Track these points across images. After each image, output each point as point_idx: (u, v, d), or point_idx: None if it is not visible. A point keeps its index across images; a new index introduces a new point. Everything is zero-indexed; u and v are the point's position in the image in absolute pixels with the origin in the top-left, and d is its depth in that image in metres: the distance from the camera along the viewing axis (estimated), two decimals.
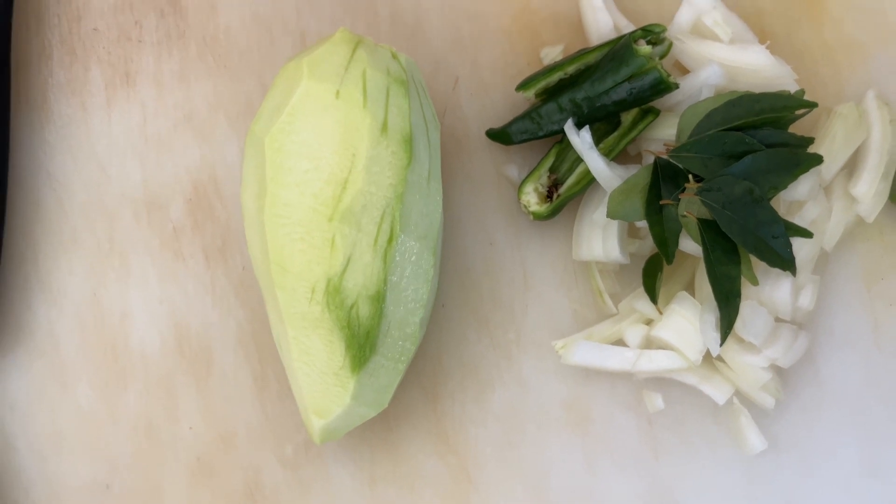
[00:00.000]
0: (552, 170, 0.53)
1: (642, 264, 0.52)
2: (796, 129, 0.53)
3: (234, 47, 0.57)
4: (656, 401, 0.52)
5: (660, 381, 0.53)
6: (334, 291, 0.45)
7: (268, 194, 0.45)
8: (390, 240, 0.45)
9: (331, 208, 0.44)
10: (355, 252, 0.44)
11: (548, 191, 0.53)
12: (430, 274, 0.47)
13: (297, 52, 0.49)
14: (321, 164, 0.44)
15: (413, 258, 0.46)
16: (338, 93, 0.44)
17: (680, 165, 0.48)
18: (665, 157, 0.49)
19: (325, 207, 0.44)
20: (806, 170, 0.48)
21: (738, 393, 0.52)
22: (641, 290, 0.52)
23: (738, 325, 0.48)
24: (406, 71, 0.47)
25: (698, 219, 0.47)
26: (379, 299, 0.45)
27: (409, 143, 0.45)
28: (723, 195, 0.47)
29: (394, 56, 0.48)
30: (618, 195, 0.49)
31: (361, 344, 0.45)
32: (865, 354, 0.53)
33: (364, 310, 0.45)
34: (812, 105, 0.49)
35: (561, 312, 0.54)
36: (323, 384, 0.47)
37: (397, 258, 0.45)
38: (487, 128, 0.55)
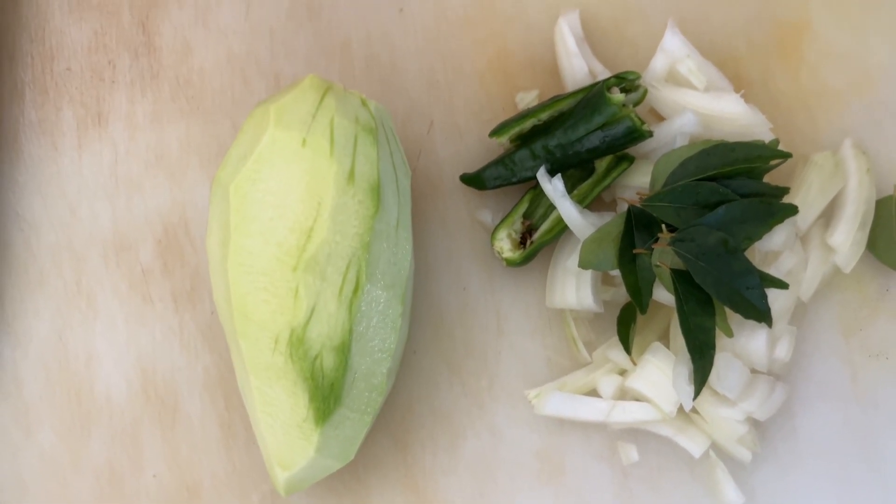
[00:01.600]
0: (526, 215, 0.53)
1: (617, 311, 0.51)
2: (772, 177, 0.52)
3: (207, 89, 0.57)
4: (631, 452, 0.51)
5: (635, 433, 0.52)
6: (298, 342, 0.44)
7: (231, 242, 0.44)
8: (356, 290, 0.44)
9: (295, 258, 0.43)
10: (319, 302, 0.43)
11: (521, 237, 0.52)
12: (397, 323, 0.46)
13: (270, 95, 0.48)
14: (286, 212, 0.43)
15: (380, 308, 0.45)
16: (304, 141, 0.44)
17: (653, 214, 0.48)
18: (638, 205, 0.48)
19: (288, 257, 0.43)
20: (781, 220, 0.47)
21: (714, 445, 0.51)
22: (616, 339, 0.51)
23: (713, 377, 0.48)
24: (375, 118, 0.47)
25: (672, 269, 0.47)
26: (344, 350, 0.44)
27: (377, 191, 0.44)
28: (696, 245, 0.46)
29: (363, 103, 0.47)
30: (590, 244, 0.49)
31: (325, 396, 0.44)
32: (844, 407, 0.52)
33: (328, 361, 0.44)
34: (786, 155, 0.48)
35: (535, 360, 0.53)
36: (287, 436, 0.46)
37: (363, 308, 0.44)
38: (462, 172, 0.54)
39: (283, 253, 0.43)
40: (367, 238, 0.44)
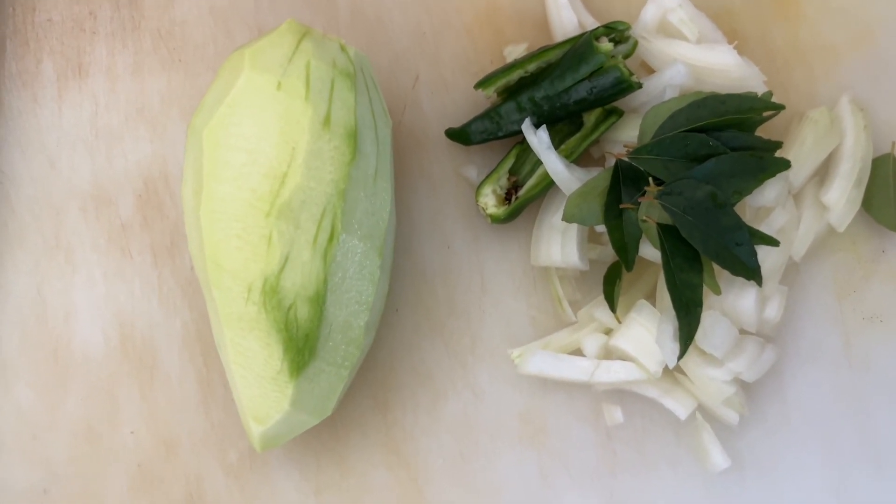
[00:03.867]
0: (512, 171, 0.52)
1: (604, 271, 0.50)
2: (766, 133, 0.51)
3: (189, 41, 0.55)
4: (615, 414, 0.50)
5: (620, 394, 0.51)
6: (271, 291, 0.43)
7: (204, 189, 0.43)
8: (331, 238, 0.43)
9: (268, 203, 0.42)
10: (293, 250, 0.42)
11: (506, 193, 0.51)
12: (375, 275, 0.45)
13: (257, 37, 0.47)
14: (259, 157, 0.42)
15: (357, 258, 0.44)
16: (279, 84, 0.43)
17: (640, 167, 0.46)
18: (625, 158, 0.47)
19: (262, 203, 0.42)
20: (772, 174, 0.46)
21: (701, 408, 0.49)
22: (602, 298, 0.50)
23: (699, 335, 0.46)
24: (354, 64, 0.46)
25: (658, 224, 0.45)
26: (319, 301, 0.43)
27: (354, 137, 0.43)
28: (684, 199, 0.45)
29: (342, 48, 0.46)
30: (576, 198, 0.47)
31: (300, 347, 0.43)
32: (835, 370, 0.51)
33: (303, 311, 0.43)
34: (779, 107, 0.47)
35: (519, 319, 0.52)
36: (261, 389, 0.45)
37: (339, 258, 0.43)
38: (447, 127, 0.53)
39: (256, 199, 0.42)
40: (343, 185, 0.43)
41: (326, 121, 0.43)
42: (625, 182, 0.47)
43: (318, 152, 0.42)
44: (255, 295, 0.43)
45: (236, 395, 0.46)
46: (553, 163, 0.48)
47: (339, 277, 0.44)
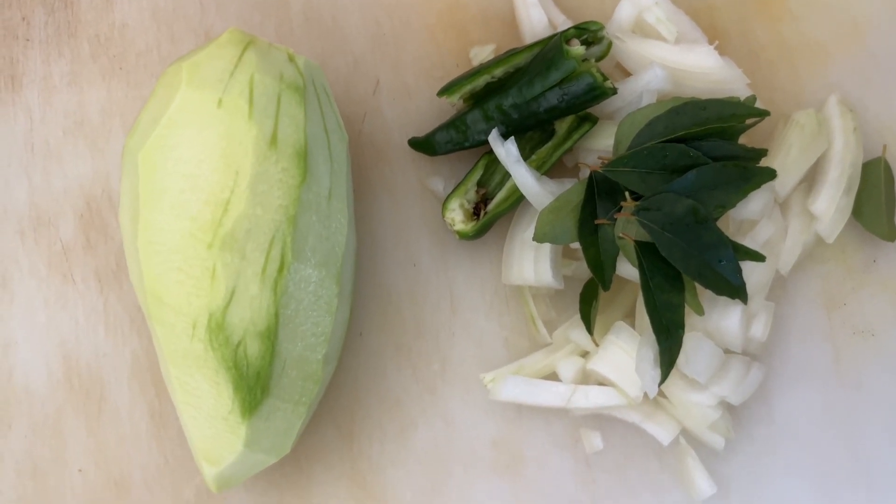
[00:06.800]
0: (481, 183, 0.48)
1: (581, 287, 0.47)
2: (750, 138, 0.48)
3: (130, 47, 0.51)
4: (595, 440, 0.47)
5: (599, 419, 0.48)
6: (217, 327, 0.39)
7: (140, 218, 0.39)
8: (281, 269, 0.39)
9: (210, 233, 0.38)
10: (240, 283, 0.39)
11: (475, 207, 0.48)
12: (333, 304, 0.41)
13: (188, 52, 0.43)
14: (200, 182, 0.39)
15: (311, 288, 0.40)
16: (220, 101, 0.39)
17: (616, 181, 0.43)
18: (600, 171, 0.44)
19: (203, 233, 0.38)
20: (756, 186, 0.43)
21: (684, 432, 0.47)
22: (577, 317, 0.46)
23: (681, 360, 0.43)
24: (304, 75, 0.42)
25: (636, 241, 0.42)
26: (270, 336, 0.40)
27: (304, 157, 0.40)
28: (663, 215, 0.42)
29: (291, 58, 0.42)
30: (548, 214, 0.44)
31: (251, 386, 0.40)
32: (824, 388, 0.48)
33: (253, 348, 0.40)
34: (763, 113, 0.44)
35: (491, 341, 0.49)
36: (213, 429, 0.42)
37: (291, 289, 0.40)
38: (411, 136, 0.50)
39: (197, 228, 0.39)
40: (293, 210, 0.39)
41: (273, 140, 0.39)
42: (600, 196, 0.44)
43: (264, 175, 0.39)
44: (200, 331, 0.39)
45: (187, 434, 0.43)
46: (523, 176, 0.45)
47: (293, 310, 0.40)
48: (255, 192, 0.39)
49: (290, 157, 0.39)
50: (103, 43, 0.52)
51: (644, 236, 0.42)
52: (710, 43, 0.47)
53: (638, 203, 0.42)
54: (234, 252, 0.39)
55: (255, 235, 0.39)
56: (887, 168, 0.48)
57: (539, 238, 0.44)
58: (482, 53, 0.50)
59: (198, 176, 0.39)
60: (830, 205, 0.46)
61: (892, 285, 0.49)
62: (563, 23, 0.49)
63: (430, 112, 0.51)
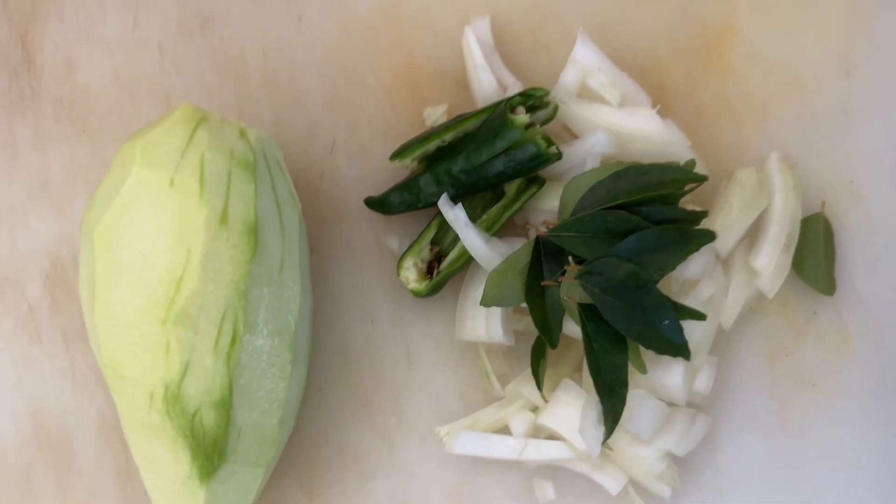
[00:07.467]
0: (435, 241, 0.50)
1: (532, 341, 0.48)
2: (696, 194, 0.49)
3: (93, 109, 0.53)
4: (548, 490, 0.49)
5: (552, 469, 0.49)
6: (173, 399, 0.40)
7: (97, 294, 0.41)
8: (233, 342, 0.41)
9: (164, 310, 0.40)
10: (194, 356, 0.40)
11: (428, 266, 0.49)
12: (286, 371, 0.43)
13: (141, 128, 0.45)
14: (153, 259, 0.40)
15: (264, 357, 0.42)
16: (172, 181, 0.40)
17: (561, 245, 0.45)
18: (546, 235, 0.45)
19: (157, 309, 0.40)
20: (696, 248, 0.44)
21: (632, 482, 0.48)
22: (529, 372, 0.48)
23: (625, 418, 0.45)
24: (255, 150, 0.43)
25: (579, 304, 0.44)
26: (225, 405, 0.41)
27: (254, 233, 0.41)
28: (605, 279, 0.43)
29: (242, 133, 0.43)
30: (496, 276, 0.46)
31: (208, 453, 0.41)
32: (769, 437, 0.49)
33: (209, 417, 0.41)
34: (702, 179, 0.45)
35: (447, 394, 0.50)
36: (172, 493, 0.43)
37: (244, 360, 0.41)
38: (367, 195, 0.51)
39: (151, 305, 0.40)
40: (244, 286, 0.40)
41: (223, 218, 0.40)
42: (546, 258, 0.45)
43: (216, 253, 0.40)
44: (157, 402, 0.41)
45: (150, 495, 0.45)
46: (472, 240, 0.46)
47: (246, 379, 0.42)
48: (206, 270, 0.40)
49: (241, 233, 0.41)
50: (66, 105, 0.53)
51: (588, 299, 0.44)
52: (655, 104, 0.48)
53: (581, 267, 0.44)
54: (187, 327, 0.40)
55: (208, 311, 0.40)
56: (826, 223, 0.50)
57: (486, 302, 0.45)
58: (434, 114, 0.51)
59: (152, 254, 0.40)
60: (771, 261, 0.48)
61: (832, 337, 0.50)
62: (513, 84, 0.50)
63: (385, 171, 0.52)
